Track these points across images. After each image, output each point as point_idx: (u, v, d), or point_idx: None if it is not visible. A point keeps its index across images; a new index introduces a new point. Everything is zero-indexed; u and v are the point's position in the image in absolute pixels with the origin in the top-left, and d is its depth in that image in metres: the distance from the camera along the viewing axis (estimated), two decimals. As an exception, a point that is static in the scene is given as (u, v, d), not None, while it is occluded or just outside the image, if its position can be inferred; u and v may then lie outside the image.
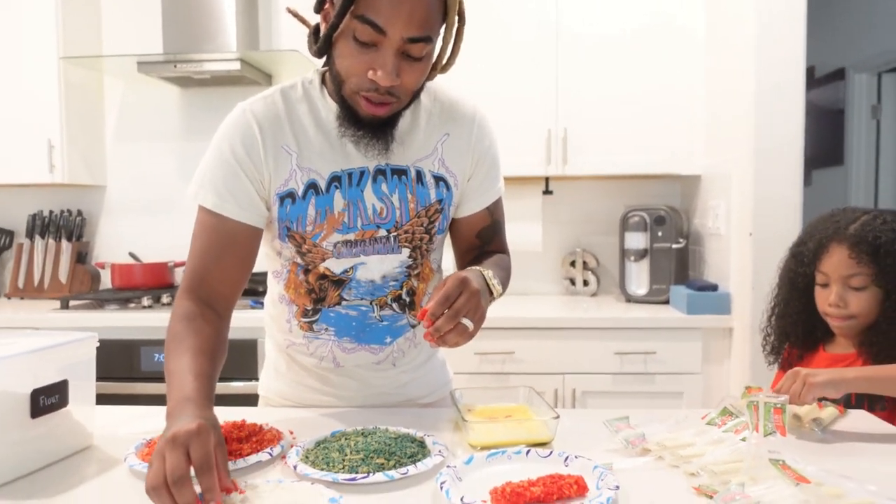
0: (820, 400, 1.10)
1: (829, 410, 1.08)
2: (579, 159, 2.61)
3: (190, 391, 0.87)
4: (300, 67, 2.68)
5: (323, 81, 1.10)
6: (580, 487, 0.80)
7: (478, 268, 1.03)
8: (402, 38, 0.93)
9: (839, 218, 1.35)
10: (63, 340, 0.96)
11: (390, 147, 1.06)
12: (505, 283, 1.13)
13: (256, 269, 1.12)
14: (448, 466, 0.86)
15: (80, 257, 2.98)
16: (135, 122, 2.99)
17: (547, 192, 2.88)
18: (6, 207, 3.05)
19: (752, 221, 2.22)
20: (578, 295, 2.90)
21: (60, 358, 0.95)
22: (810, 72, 3.97)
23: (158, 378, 2.32)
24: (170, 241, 2.92)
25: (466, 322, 0.93)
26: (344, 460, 0.88)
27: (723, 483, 0.82)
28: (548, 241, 2.93)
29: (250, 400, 1.30)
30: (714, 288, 2.39)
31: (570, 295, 2.91)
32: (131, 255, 2.87)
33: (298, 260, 1.12)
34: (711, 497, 0.79)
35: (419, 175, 1.10)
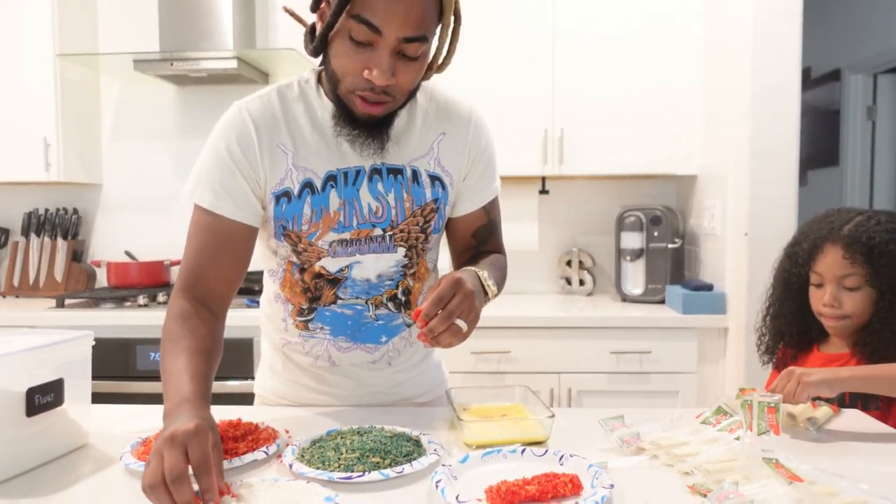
0: (814, 399, 1.11)
1: (824, 410, 1.09)
2: (575, 159, 2.61)
3: (187, 392, 0.87)
4: (297, 66, 2.68)
5: (319, 81, 1.10)
6: (575, 486, 0.80)
7: (473, 268, 1.04)
8: (397, 37, 0.93)
9: (833, 218, 1.36)
10: (59, 339, 0.96)
11: (386, 146, 1.06)
12: (500, 284, 1.13)
13: (252, 267, 1.12)
14: (443, 465, 0.86)
15: (76, 256, 2.97)
16: (131, 121, 2.98)
17: (543, 191, 2.88)
18: (2, 205, 3.05)
19: (748, 222, 2.23)
20: (574, 294, 2.90)
21: (56, 356, 0.95)
22: (806, 73, 3.97)
23: (154, 377, 2.32)
24: (166, 240, 2.91)
25: (460, 323, 0.93)
26: (339, 459, 0.88)
27: (717, 482, 0.82)
28: (544, 240, 2.94)
29: (246, 399, 1.30)
30: (709, 288, 2.40)
31: (566, 294, 2.92)
32: (127, 253, 2.86)
33: (294, 259, 1.12)
34: (705, 496, 0.79)
35: (415, 174, 1.10)
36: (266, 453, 0.94)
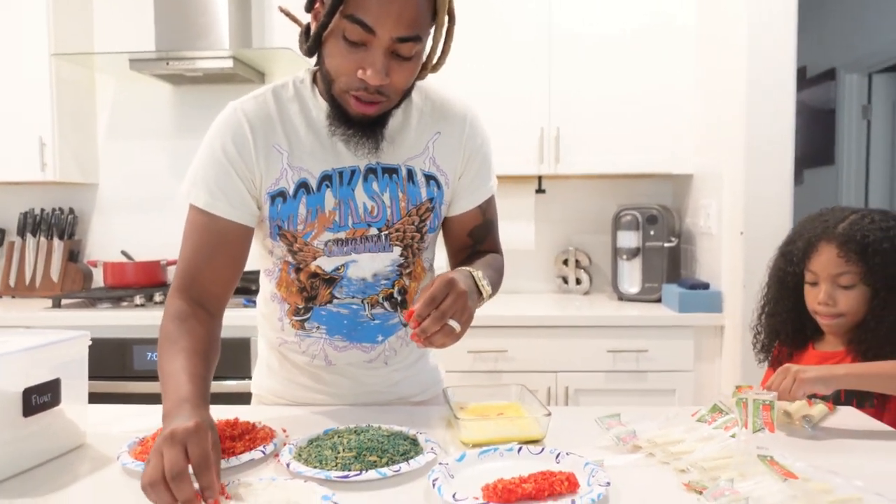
0: (810, 397, 1.11)
1: (819, 407, 1.09)
2: (572, 158, 2.61)
3: (186, 393, 0.87)
4: (293, 65, 2.68)
5: (314, 80, 1.10)
6: (571, 484, 0.80)
7: (467, 268, 1.03)
8: (391, 37, 0.93)
9: (828, 217, 1.36)
10: (55, 339, 0.96)
11: (380, 146, 1.06)
12: (496, 284, 1.13)
13: (248, 267, 1.12)
14: (440, 464, 0.87)
15: (72, 256, 2.96)
16: (127, 120, 2.98)
17: (539, 190, 2.89)
18: (-3, 205, 3.04)
19: (743, 220, 2.24)
20: (571, 293, 2.91)
21: (52, 357, 0.95)
22: (802, 72, 3.99)
23: (151, 377, 2.31)
24: (162, 240, 2.90)
25: (453, 323, 0.93)
26: (337, 458, 0.89)
27: (712, 479, 0.83)
28: (540, 239, 2.94)
29: (243, 398, 1.30)
30: (706, 286, 2.41)
31: (562, 293, 2.92)
32: (123, 253, 2.86)
33: (290, 258, 1.12)
34: (701, 493, 0.80)
35: (410, 174, 1.11)
36: (263, 452, 0.94)
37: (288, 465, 0.88)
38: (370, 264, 1.12)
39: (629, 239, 2.65)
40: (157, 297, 2.60)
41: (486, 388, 1.15)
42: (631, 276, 2.67)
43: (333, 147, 1.08)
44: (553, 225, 2.97)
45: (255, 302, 1.30)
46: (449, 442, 1.01)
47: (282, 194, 1.08)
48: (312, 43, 0.99)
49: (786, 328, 1.41)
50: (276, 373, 1.25)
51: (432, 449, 0.94)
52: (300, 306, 1.15)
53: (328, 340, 1.17)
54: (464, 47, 2.54)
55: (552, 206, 2.96)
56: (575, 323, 2.37)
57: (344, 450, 0.90)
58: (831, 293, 1.32)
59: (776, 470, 0.78)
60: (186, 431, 0.77)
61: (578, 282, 2.91)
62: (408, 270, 1.16)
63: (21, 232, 2.96)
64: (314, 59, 1.05)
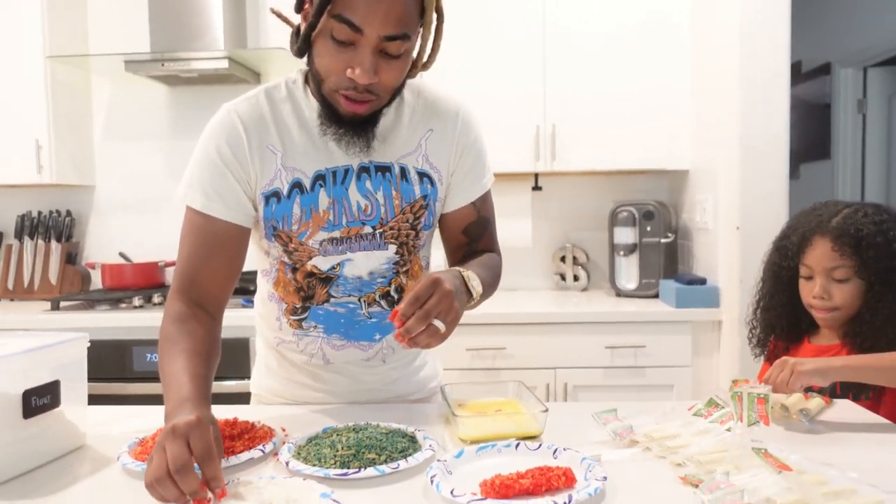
0: (807, 390, 1.12)
1: (816, 401, 1.10)
2: (568, 155, 2.62)
3: (187, 393, 0.88)
4: (289, 65, 2.68)
5: (306, 81, 1.11)
6: (568, 479, 0.81)
7: (457, 268, 1.03)
8: (378, 36, 0.94)
9: (822, 211, 1.37)
10: (54, 341, 0.96)
11: (371, 145, 1.07)
12: (491, 284, 1.13)
13: (246, 267, 1.13)
14: (438, 460, 0.87)
15: (70, 258, 2.97)
16: (123, 122, 2.98)
17: (536, 188, 2.89)
18: (-6, 208, 3.04)
19: (739, 215, 2.25)
20: (568, 290, 2.91)
21: (52, 358, 0.95)
22: (797, 66, 4.00)
23: (151, 378, 2.32)
24: (160, 241, 2.91)
25: (438, 323, 0.92)
26: (335, 456, 0.89)
27: (708, 472, 0.83)
28: (537, 236, 2.95)
29: (243, 398, 1.31)
30: (702, 282, 2.42)
31: (560, 290, 2.93)
32: (121, 255, 2.86)
33: (286, 259, 1.13)
34: (697, 486, 0.80)
35: (403, 172, 1.11)
36: (263, 451, 0.94)
37: (287, 463, 0.89)
38: (366, 263, 1.12)
39: (626, 235, 2.66)
40: (156, 299, 2.60)
41: (483, 385, 1.16)
42: (628, 272, 2.68)
43: (326, 147, 1.08)
44: (550, 222, 2.98)
45: (252, 302, 1.30)
46: (447, 439, 1.02)
47: (276, 194, 1.08)
48: (302, 43, 0.99)
49: (781, 322, 1.42)
50: (275, 372, 1.25)
51: (430, 446, 0.94)
52: (297, 306, 1.16)
53: (326, 339, 1.17)
54: (459, 46, 2.56)
55: (549, 204, 2.97)
56: (573, 319, 2.38)
57: (343, 448, 0.91)
58: (826, 287, 1.33)
59: (771, 462, 0.79)
60: (188, 425, 0.78)
61: (576, 278, 2.92)
62: (404, 268, 1.16)
63: (19, 235, 2.96)
64: (305, 60, 1.05)
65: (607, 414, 1.05)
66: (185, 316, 1.03)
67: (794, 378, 1.08)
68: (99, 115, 2.98)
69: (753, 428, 0.93)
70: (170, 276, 2.84)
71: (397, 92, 1.05)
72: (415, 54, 1.04)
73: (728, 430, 0.95)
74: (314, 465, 0.88)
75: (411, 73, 1.06)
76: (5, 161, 2.67)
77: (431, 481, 0.81)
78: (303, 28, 1.00)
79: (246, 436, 0.99)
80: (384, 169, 1.10)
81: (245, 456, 0.92)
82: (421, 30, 1.01)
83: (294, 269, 1.14)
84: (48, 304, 2.59)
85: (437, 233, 1.24)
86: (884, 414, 1.16)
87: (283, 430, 1.05)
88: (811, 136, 3.97)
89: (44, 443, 0.95)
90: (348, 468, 0.86)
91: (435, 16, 1.00)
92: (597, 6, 2.59)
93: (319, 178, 1.08)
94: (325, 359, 1.19)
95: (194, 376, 0.92)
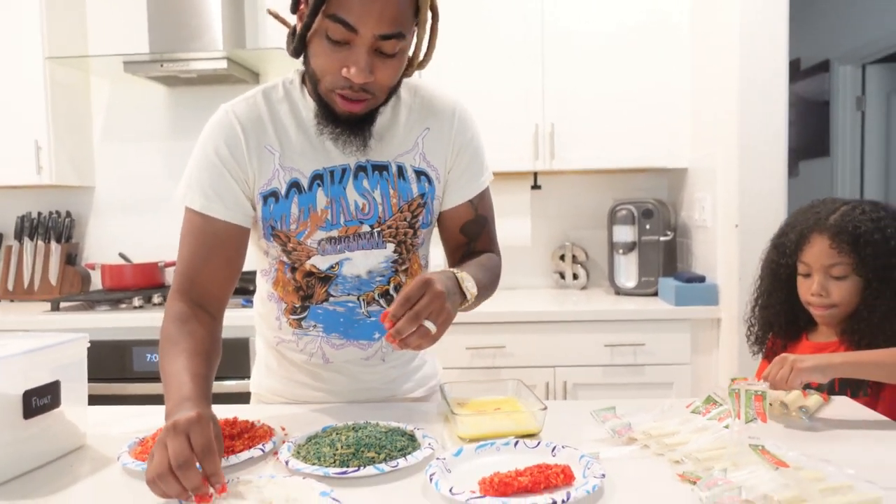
0: (805, 387, 1.12)
1: (814, 398, 1.10)
2: (567, 154, 2.62)
3: (188, 391, 0.89)
4: (287, 65, 2.68)
5: (303, 81, 1.11)
6: (567, 476, 0.81)
7: (452, 269, 1.03)
8: (373, 35, 0.94)
9: (819, 209, 1.37)
10: (54, 342, 0.97)
11: (368, 143, 1.07)
12: (489, 285, 1.12)
13: (246, 267, 1.13)
14: (437, 459, 0.88)
15: (70, 259, 2.97)
16: (122, 122, 2.98)
17: (535, 186, 2.89)
18: (-6, 210, 3.05)
19: (738, 213, 2.25)
20: (568, 288, 2.92)
21: (52, 359, 0.96)
22: (796, 64, 4.00)
23: (151, 378, 2.32)
24: (159, 241, 2.92)
25: (429, 324, 0.91)
26: (335, 455, 0.89)
27: (706, 469, 0.84)
28: (537, 235, 2.95)
29: (243, 398, 1.31)
30: (701, 279, 2.42)
31: (559, 288, 2.94)
32: (121, 255, 2.86)
33: (285, 258, 1.13)
34: (695, 483, 0.80)
35: (400, 170, 1.11)
36: (262, 450, 0.95)
37: (287, 462, 0.89)
38: (364, 261, 1.13)
39: (625, 233, 2.66)
40: (156, 299, 2.60)
41: (482, 383, 1.16)
42: (627, 271, 2.68)
43: (323, 146, 1.09)
44: (549, 220, 2.98)
45: (252, 302, 1.31)
46: (446, 437, 1.02)
47: (274, 194, 1.09)
48: (297, 43, 1.00)
49: (779, 320, 1.42)
50: (275, 372, 1.25)
51: (429, 444, 0.94)
52: (297, 305, 1.16)
53: (325, 338, 1.18)
54: (458, 45, 2.57)
55: (548, 202, 2.97)
56: (572, 318, 2.38)
57: (342, 446, 0.91)
58: (824, 284, 1.33)
59: (768, 459, 0.79)
60: (189, 421, 0.78)
61: (575, 277, 2.92)
62: (403, 267, 1.17)
63: (18, 236, 2.96)
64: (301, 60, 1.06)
65: (606, 412, 1.05)
66: (185, 316, 1.03)
67: (793, 375, 1.08)
68: (98, 115, 2.99)
69: (751, 425, 0.93)
70: (169, 276, 2.85)
71: (393, 91, 1.05)
72: (411, 53, 1.04)
73: (726, 427, 0.95)
74: (314, 464, 0.88)
75: (407, 71, 1.06)
76: (5, 162, 2.67)
77: (430, 479, 0.82)
78: (298, 28, 1.00)
79: (246, 435, 1.00)
80: (381, 168, 1.10)
81: (245, 455, 0.93)
82: (416, 28, 1.01)
83: (293, 269, 1.14)
84: (48, 305, 2.60)
85: (436, 232, 1.24)
86: (881, 410, 1.16)
87: (283, 429, 1.05)
88: (810, 133, 3.97)
89: (44, 443, 0.95)
90: (348, 467, 0.87)
91: (430, 14, 1.00)
92: (596, 6, 2.60)
93: (317, 178, 1.09)
94: (324, 358, 1.19)
95: (195, 375, 0.93)
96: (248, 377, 1.34)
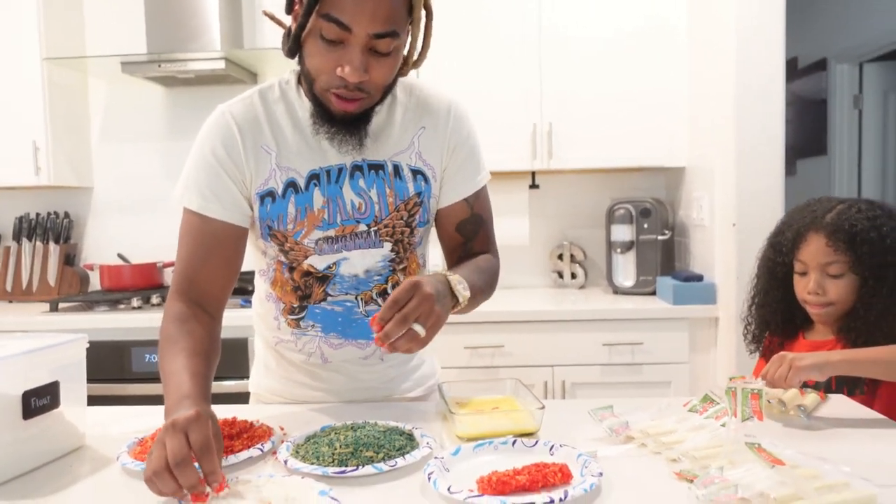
0: (802, 386, 1.13)
1: (812, 396, 1.11)
2: (565, 154, 2.63)
3: (187, 389, 0.89)
4: (285, 65, 2.66)
5: (299, 81, 1.12)
6: (564, 475, 0.82)
7: (443, 272, 1.02)
8: (367, 34, 0.94)
9: (815, 208, 1.38)
10: (53, 342, 0.97)
11: (364, 143, 1.07)
12: (485, 288, 1.12)
13: (244, 268, 1.14)
14: (436, 458, 0.88)
15: (69, 259, 2.97)
16: (120, 123, 2.98)
17: (533, 186, 2.90)
18: (-8, 210, 3.05)
19: (736, 212, 2.25)
20: (566, 288, 2.92)
21: (51, 360, 0.96)
22: (793, 62, 4.01)
23: (150, 379, 2.33)
24: (158, 241, 2.92)
25: (417, 328, 0.91)
26: (334, 454, 0.90)
27: (703, 467, 0.84)
28: (535, 234, 2.96)
29: (242, 398, 1.31)
30: (699, 278, 2.42)
31: (557, 288, 2.94)
32: (120, 256, 2.86)
33: (282, 258, 1.14)
34: (692, 481, 0.81)
35: (396, 169, 1.12)
36: (261, 450, 0.95)
37: (286, 462, 0.90)
38: (361, 261, 1.13)
39: (623, 232, 2.67)
40: (154, 300, 2.60)
41: (480, 382, 1.16)
42: (625, 270, 2.68)
43: (320, 146, 1.09)
44: (547, 220, 2.99)
45: (251, 302, 1.31)
46: (444, 436, 1.02)
47: (271, 194, 1.09)
48: (292, 43, 1.00)
49: (776, 318, 1.42)
50: (274, 371, 1.26)
51: (428, 444, 0.95)
52: (295, 305, 1.16)
53: (323, 338, 1.18)
54: (456, 46, 2.57)
55: (546, 202, 2.97)
56: (570, 317, 2.38)
57: (341, 446, 0.92)
58: (821, 282, 1.33)
59: (764, 457, 0.80)
60: (187, 420, 0.79)
61: (573, 276, 2.92)
62: (401, 266, 1.17)
63: (17, 237, 2.96)
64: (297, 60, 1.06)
65: (603, 410, 1.05)
66: (185, 316, 1.04)
67: (792, 373, 1.08)
68: (96, 116, 2.99)
69: (748, 423, 0.94)
70: (168, 276, 2.85)
71: (388, 90, 1.06)
72: (405, 52, 1.04)
73: (723, 425, 0.96)
74: (312, 464, 0.88)
75: (402, 71, 1.06)
76: (3, 163, 2.67)
77: (429, 478, 0.82)
78: (293, 28, 1.01)
79: (245, 435, 1.00)
80: (377, 167, 1.11)
81: (244, 455, 0.93)
82: (410, 27, 1.01)
83: (291, 269, 1.14)
84: (47, 306, 2.60)
85: (430, 229, 1.24)
86: (878, 408, 1.17)
87: (282, 428, 1.06)
88: (807, 131, 3.98)
89: (43, 443, 0.95)
90: (346, 466, 0.87)
91: (423, 13, 1.01)
92: (594, 11, 2.60)
93: (314, 178, 1.09)
94: (323, 358, 1.20)
95: (194, 374, 0.93)
96: (247, 377, 1.35)
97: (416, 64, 1.07)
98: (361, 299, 1.16)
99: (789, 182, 2.30)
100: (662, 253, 2.65)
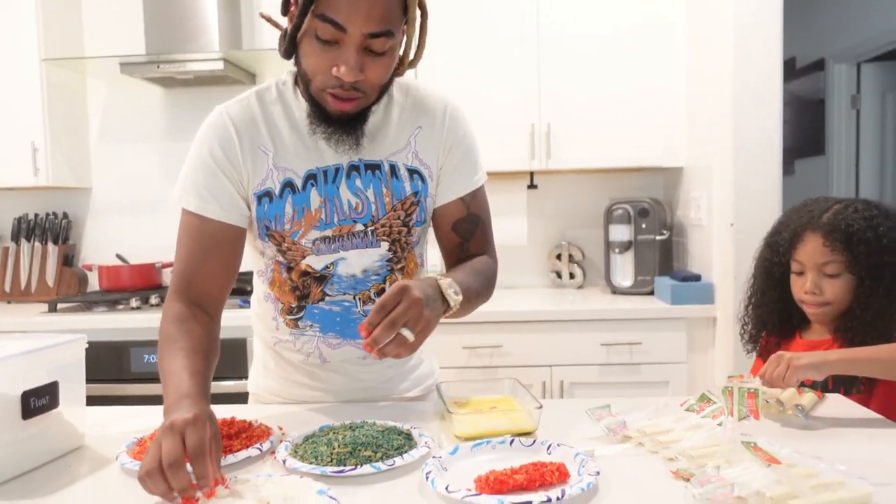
0: (799, 386, 1.13)
1: (809, 396, 1.11)
2: (563, 154, 2.63)
3: (187, 388, 0.89)
4: (284, 66, 2.66)
5: (296, 82, 1.12)
6: (562, 474, 0.82)
7: (435, 276, 1.02)
8: (362, 33, 0.95)
9: (812, 208, 1.38)
10: (52, 343, 0.97)
11: (361, 143, 1.08)
12: (481, 291, 1.12)
13: (243, 268, 1.14)
14: (434, 457, 0.88)
15: (67, 260, 2.97)
16: (118, 124, 2.98)
17: (532, 186, 2.90)
18: (-9, 211, 3.05)
19: (734, 212, 2.26)
20: (564, 288, 2.93)
21: (50, 360, 0.96)
22: (791, 63, 4.02)
23: (148, 379, 2.33)
24: (156, 242, 2.92)
25: (406, 332, 0.90)
26: (332, 454, 0.90)
27: (699, 466, 0.84)
28: (533, 234, 2.96)
29: (241, 398, 1.32)
30: (697, 278, 2.43)
31: (556, 288, 2.94)
32: (118, 256, 2.86)
33: (280, 258, 1.14)
34: (688, 480, 0.81)
35: (393, 169, 1.12)
36: (260, 450, 0.95)
37: (284, 461, 0.90)
38: (359, 260, 1.13)
39: (621, 232, 2.67)
40: (153, 300, 2.61)
41: (479, 382, 1.16)
42: (624, 270, 2.69)
43: (316, 146, 1.10)
44: (546, 220, 2.99)
45: (250, 303, 1.31)
46: (442, 436, 1.02)
47: (268, 194, 1.09)
48: (288, 44, 1.01)
49: (773, 318, 1.43)
50: (273, 371, 1.26)
51: (426, 443, 0.95)
52: (293, 305, 1.17)
53: (322, 338, 1.18)
54: (454, 46, 2.58)
55: (544, 202, 2.98)
56: (569, 317, 2.39)
57: (339, 445, 0.92)
58: (817, 282, 1.34)
59: (760, 456, 0.80)
60: (185, 422, 0.79)
61: (572, 276, 2.93)
62: (399, 266, 1.17)
63: (15, 237, 2.96)
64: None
65: (601, 410, 1.06)
66: (184, 316, 1.04)
67: (790, 372, 1.08)
68: (94, 117, 2.99)
69: (744, 422, 0.94)
70: (166, 277, 2.85)
71: (385, 89, 1.06)
72: (402, 51, 1.05)
73: (720, 424, 0.96)
74: (311, 463, 0.89)
75: (399, 71, 1.07)
76: (1, 164, 2.67)
77: (427, 478, 0.82)
78: (289, 30, 1.01)
79: (243, 434, 1.00)
80: (374, 167, 1.11)
81: (243, 454, 0.93)
82: (405, 27, 1.02)
83: (289, 269, 1.15)
84: (45, 307, 2.60)
85: (428, 229, 1.24)
86: (874, 408, 1.17)
87: (281, 428, 1.06)
88: (805, 131, 3.99)
89: (43, 443, 0.96)
90: (345, 465, 0.87)
91: (419, 12, 1.01)
92: (592, 10, 2.60)
93: (311, 178, 1.09)
94: (321, 357, 1.20)
95: (194, 373, 0.93)
96: (246, 377, 1.35)
97: (413, 63, 1.08)
98: (359, 299, 1.16)
99: (787, 182, 2.31)
100: (660, 253, 2.66)
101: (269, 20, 1.12)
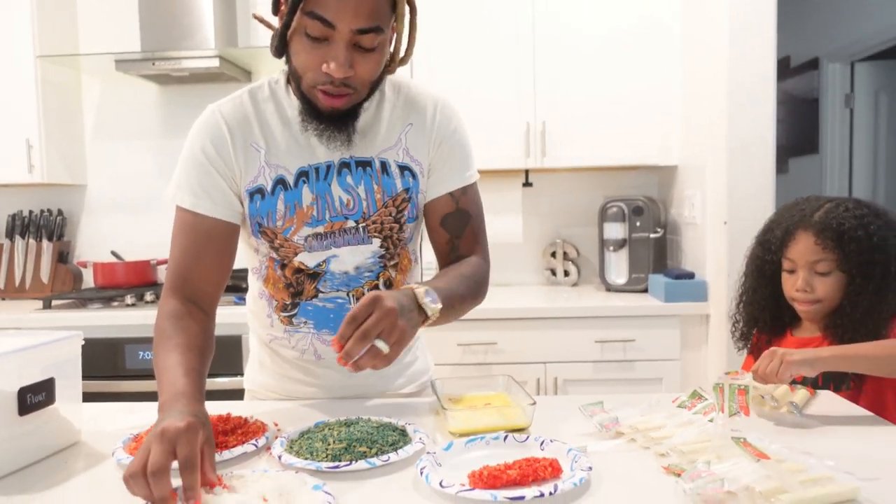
0: (791, 383, 1.14)
1: (802, 393, 1.12)
2: (558, 152, 2.64)
3: (181, 386, 0.90)
4: (279, 64, 2.67)
5: (288, 80, 1.13)
6: (554, 469, 0.83)
7: (411, 285, 1.00)
8: (350, 30, 0.96)
9: (804, 206, 1.40)
10: (48, 339, 0.97)
11: (352, 139, 1.09)
12: (468, 295, 1.10)
13: (238, 265, 1.15)
14: (428, 453, 0.89)
15: (62, 257, 2.97)
16: (113, 121, 2.98)
17: (527, 184, 2.91)
18: (-15, 208, 3.04)
19: (727, 210, 2.27)
20: (559, 285, 2.94)
21: (46, 357, 0.97)
22: (785, 62, 4.03)
23: (144, 376, 2.33)
24: (151, 239, 2.92)
25: (380, 344, 0.89)
26: (327, 449, 0.91)
27: (690, 462, 0.85)
28: (528, 232, 2.97)
29: (236, 395, 1.32)
30: (691, 276, 2.44)
31: (550, 285, 2.95)
32: (113, 253, 2.86)
33: (273, 255, 1.15)
34: (679, 475, 0.82)
35: (384, 166, 1.13)
36: (255, 446, 0.96)
37: (280, 457, 0.90)
38: (351, 257, 1.14)
39: (616, 230, 2.68)
40: (148, 297, 2.61)
41: (473, 379, 1.17)
42: (618, 267, 2.70)
43: (308, 143, 1.10)
44: (540, 218, 3.00)
45: (245, 300, 1.32)
46: (437, 432, 1.03)
47: (260, 191, 1.10)
48: (278, 43, 1.01)
49: (764, 316, 1.44)
50: (268, 368, 1.27)
51: (420, 439, 0.96)
52: (287, 302, 1.17)
53: (316, 335, 1.19)
54: (449, 45, 2.58)
55: (539, 200, 2.99)
56: (563, 314, 2.40)
57: (334, 441, 0.92)
58: (809, 280, 1.35)
59: (750, 451, 0.81)
60: (177, 431, 0.78)
61: (566, 274, 2.94)
62: (392, 262, 1.18)
63: (10, 234, 2.96)
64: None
65: (594, 406, 1.06)
66: (179, 312, 1.05)
67: (783, 368, 1.09)
68: (90, 114, 2.98)
69: (735, 418, 0.95)
70: (161, 274, 2.85)
71: (375, 86, 1.07)
72: (392, 48, 1.05)
73: (711, 420, 0.97)
74: (306, 459, 0.89)
75: (390, 68, 1.07)
76: (-4, 160, 2.67)
77: (421, 473, 0.83)
78: (279, 28, 1.02)
79: (239, 430, 1.01)
80: (364, 164, 1.12)
81: (238, 450, 0.94)
82: (394, 23, 1.02)
83: (283, 266, 1.15)
84: (40, 303, 2.59)
85: (421, 225, 1.24)
86: (864, 404, 1.18)
87: (276, 424, 1.06)
88: (799, 130, 4.01)
89: (39, 439, 0.96)
90: (340, 461, 0.88)
91: (407, 8, 1.02)
92: (587, 9, 2.61)
93: (303, 175, 1.10)
94: (316, 354, 1.21)
95: (189, 370, 0.94)
96: (242, 374, 1.36)
97: (403, 60, 1.08)
98: (353, 296, 1.16)
99: (781, 180, 2.32)
100: (654, 251, 2.67)
101: (261, 21, 1.13)
